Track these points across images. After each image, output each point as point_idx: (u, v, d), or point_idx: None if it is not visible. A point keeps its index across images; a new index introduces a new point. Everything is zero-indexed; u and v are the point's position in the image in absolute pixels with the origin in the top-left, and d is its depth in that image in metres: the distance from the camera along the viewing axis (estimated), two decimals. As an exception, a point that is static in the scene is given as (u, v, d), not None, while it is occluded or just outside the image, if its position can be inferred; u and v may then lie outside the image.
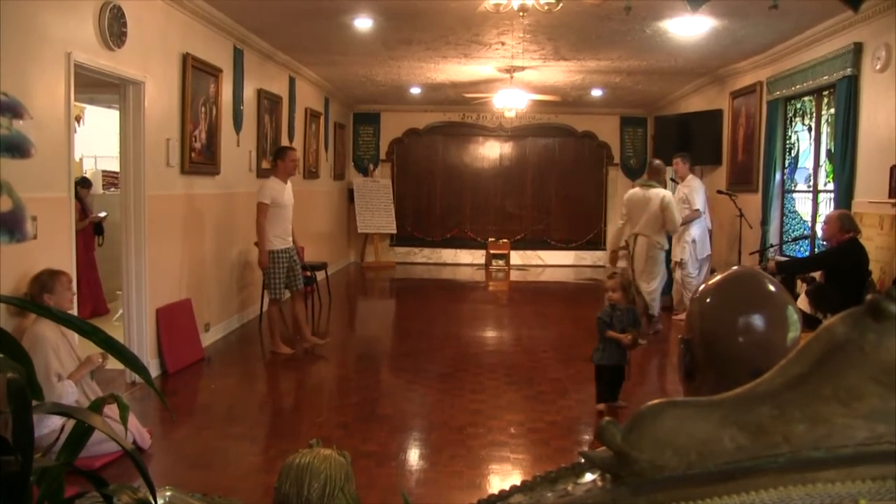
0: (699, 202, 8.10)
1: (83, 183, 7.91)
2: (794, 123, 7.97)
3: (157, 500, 1.31)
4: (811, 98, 7.47)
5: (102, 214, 7.82)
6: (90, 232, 7.74)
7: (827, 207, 6.94)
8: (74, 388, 3.85)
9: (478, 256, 13.39)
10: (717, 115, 9.60)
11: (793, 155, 8.01)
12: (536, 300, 10.44)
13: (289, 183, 6.60)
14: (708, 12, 6.27)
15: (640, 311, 6.55)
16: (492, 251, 12.98)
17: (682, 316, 8.07)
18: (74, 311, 4.48)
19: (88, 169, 9.84)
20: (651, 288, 7.31)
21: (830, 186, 6.94)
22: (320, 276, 8.90)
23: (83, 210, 7.66)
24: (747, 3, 5.83)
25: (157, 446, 4.24)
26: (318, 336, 6.95)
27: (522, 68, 8.87)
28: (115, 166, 8.40)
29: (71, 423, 1.34)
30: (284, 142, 9.01)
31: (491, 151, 13.83)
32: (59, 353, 3.87)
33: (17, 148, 0.95)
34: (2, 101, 0.96)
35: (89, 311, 7.45)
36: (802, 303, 5.56)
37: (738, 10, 6.13)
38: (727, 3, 5.85)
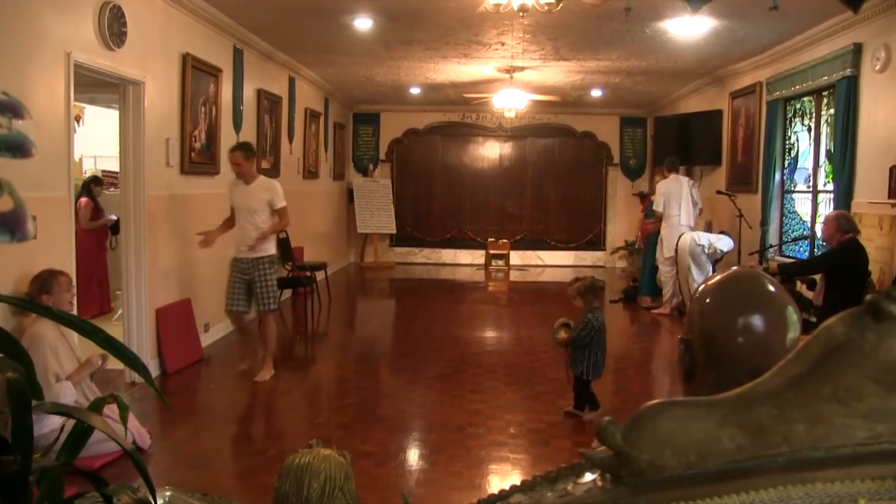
0: (656, 203, 8.71)
1: (95, 181, 7.89)
2: (793, 124, 7.97)
3: (157, 500, 1.31)
4: (811, 98, 7.47)
5: (114, 217, 7.72)
6: (104, 231, 7.73)
7: (826, 208, 6.94)
8: (72, 389, 3.83)
9: (477, 257, 13.39)
10: (716, 115, 9.60)
11: (792, 155, 8.02)
12: (536, 300, 10.44)
13: (260, 183, 5.61)
14: (708, 13, 6.26)
15: None
16: (491, 251, 12.97)
17: (659, 310, 8.39)
18: (74, 312, 4.47)
19: (88, 168, 9.83)
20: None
21: (830, 187, 6.94)
22: (320, 276, 8.91)
23: (97, 209, 7.65)
24: (747, 3, 5.83)
25: (157, 446, 4.24)
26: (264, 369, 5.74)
27: (522, 68, 8.87)
28: (114, 166, 8.39)
29: (71, 422, 1.34)
30: (284, 142, 9.01)
31: (490, 151, 13.82)
32: (57, 354, 3.85)
33: (18, 148, 0.95)
34: (2, 101, 0.96)
35: (96, 309, 7.47)
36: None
37: (738, 10, 6.13)
38: (727, 3, 5.85)
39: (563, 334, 4.71)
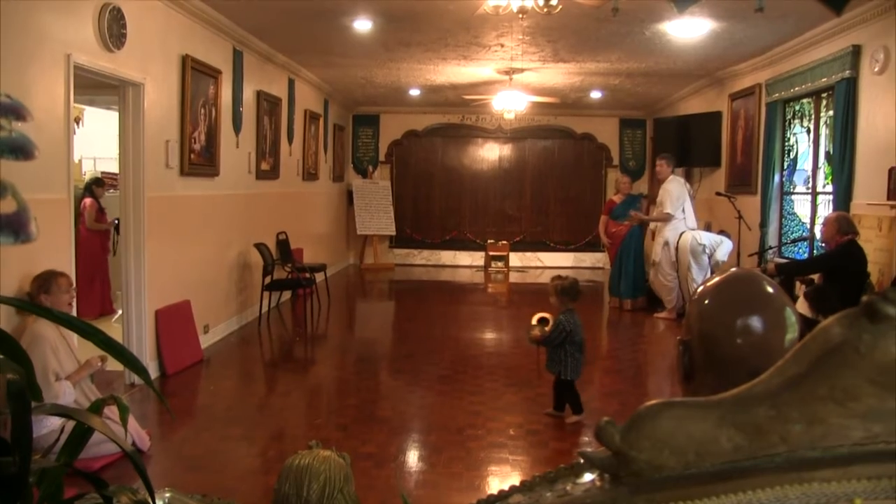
0: (668, 206, 8.42)
1: (97, 182, 7.96)
2: (792, 125, 7.98)
3: (157, 501, 1.31)
4: (810, 100, 7.48)
5: (116, 221, 7.78)
6: (107, 232, 7.79)
7: (826, 209, 6.94)
8: (72, 389, 3.83)
9: (477, 258, 13.39)
10: (716, 117, 9.61)
11: (791, 157, 8.02)
12: (536, 302, 10.41)
13: None
14: (706, 14, 6.28)
15: None
16: (491, 253, 12.97)
17: (664, 315, 8.34)
18: (73, 313, 4.47)
19: (88, 170, 9.84)
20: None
21: (829, 188, 6.94)
22: (319, 277, 8.91)
23: (100, 210, 7.72)
24: (745, 5, 5.84)
25: (157, 448, 4.24)
26: None
27: (521, 70, 8.88)
28: (114, 168, 8.40)
29: (70, 424, 1.34)
30: (284, 144, 9.02)
31: (490, 153, 13.83)
32: (57, 353, 3.85)
33: (20, 150, 0.96)
34: (4, 103, 0.96)
35: (98, 310, 7.50)
36: (801, 306, 5.57)
37: (737, 12, 6.14)
38: (726, 5, 5.86)
39: (536, 332, 4.72)
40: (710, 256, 8.03)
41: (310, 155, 10.24)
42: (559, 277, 4.87)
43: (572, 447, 4.35)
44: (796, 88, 7.36)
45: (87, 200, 7.61)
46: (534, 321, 4.81)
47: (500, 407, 5.07)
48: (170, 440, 4.46)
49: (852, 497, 0.76)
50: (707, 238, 8.12)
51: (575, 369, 4.72)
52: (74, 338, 4.09)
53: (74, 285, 4.24)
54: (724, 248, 8.10)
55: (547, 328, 4.71)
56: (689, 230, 8.30)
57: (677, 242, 8.22)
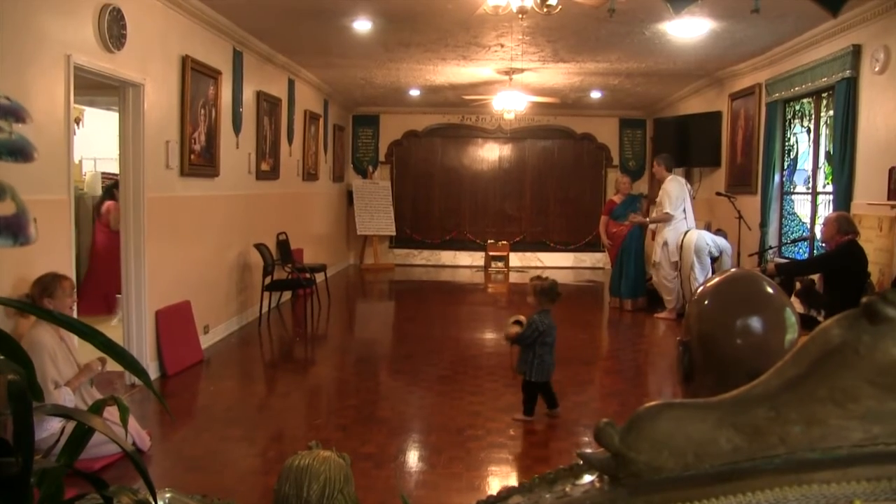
0: (668, 205, 8.40)
1: (117, 186, 8.03)
2: (792, 125, 7.98)
3: (157, 501, 1.31)
4: (810, 100, 7.48)
5: None
6: None
7: (826, 209, 6.94)
8: (72, 396, 3.80)
9: (477, 258, 13.39)
10: (716, 117, 9.60)
11: (792, 157, 8.02)
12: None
13: None
14: (706, 14, 6.27)
15: None
16: (491, 253, 12.97)
17: (664, 315, 8.31)
18: (74, 316, 4.46)
19: (88, 171, 9.84)
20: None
21: (829, 188, 6.94)
22: (319, 277, 8.91)
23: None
24: (745, 5, 5.83)
25: (157, 448, 4.24)
26: None
27: (521, 70, 8.88)
28: (114, 168, 8.40)
29: (71, 424, 1.34)
30: (284, 144, 9.01)
31: (490, 153, 13.83)
32: (56, 360, 3.82)
33: (20, 152, 0.96)
34: (4, 105, 0.96)
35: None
36: (793, 302, 5.56)
37: (737, 12, 6.13)
38: (725, 4, 5.86)
39: (513, 330, 4.72)
40: (715, 260, 8.03)
41: (310, 155, 10.24)
42: (539, 278, 4.90)
43: (572, 447, 4.35)
44: (796, 88, 7.36)
45: (111, 203, 7.69)
46: (510, 321, 4.82)
47: (500, 407, 5.07)
48: (170, 441, 4.46)
49: (852, 498, 0.76)
50: (710, 238, 8.11)
51: (540, 371, 4.71)
52: (75, 340, 4.08)
53: (76, 288, 4.23)
54: (724, 259, 8.10)
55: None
56: (693, 229, 8.30)
57: (681, 242, 8.21)
